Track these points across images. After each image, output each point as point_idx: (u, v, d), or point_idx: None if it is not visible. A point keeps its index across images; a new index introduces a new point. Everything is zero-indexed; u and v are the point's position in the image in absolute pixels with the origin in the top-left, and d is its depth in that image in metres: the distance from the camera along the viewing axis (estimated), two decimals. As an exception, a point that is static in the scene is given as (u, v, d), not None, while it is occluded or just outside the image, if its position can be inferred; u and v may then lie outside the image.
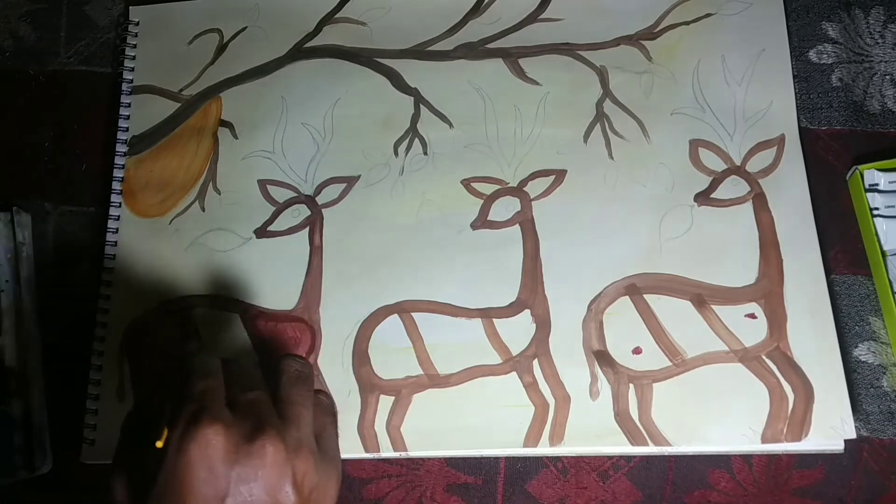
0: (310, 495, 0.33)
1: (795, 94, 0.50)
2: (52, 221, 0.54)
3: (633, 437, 0.45)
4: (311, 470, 0.34)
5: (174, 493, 0.31)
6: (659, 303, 0.47)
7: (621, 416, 0.45)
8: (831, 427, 0.43)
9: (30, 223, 0.53)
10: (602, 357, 0.46)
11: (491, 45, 0.53)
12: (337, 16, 0.55)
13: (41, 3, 0.58)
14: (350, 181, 0.51)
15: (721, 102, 0.50)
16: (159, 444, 0.32)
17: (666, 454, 0.45)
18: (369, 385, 0.47)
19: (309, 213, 0.51)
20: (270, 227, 0.51)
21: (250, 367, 0.39)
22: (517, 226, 0.49)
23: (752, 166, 0.48)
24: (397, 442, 0.46)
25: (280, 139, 0.53)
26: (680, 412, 0.45)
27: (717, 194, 0.48)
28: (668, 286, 0.47)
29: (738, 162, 0.49)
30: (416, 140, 0.52)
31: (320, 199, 0.51)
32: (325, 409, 0.39)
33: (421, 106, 0.52)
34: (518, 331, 0.47)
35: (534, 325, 0.47)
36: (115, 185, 0.53)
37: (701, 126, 0.49)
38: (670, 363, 0.46)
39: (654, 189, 0.49)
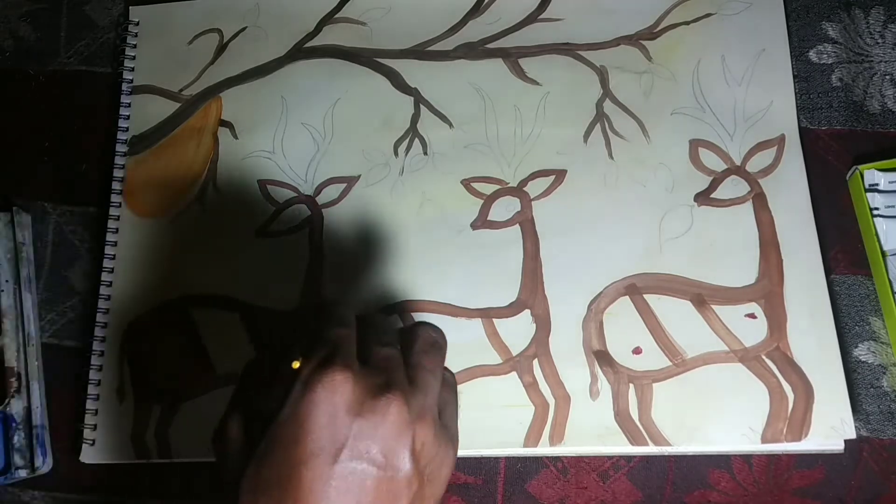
0: (425, 468, 0.32)
1: (795, 94, 0.50)
2: (52, 221, 0.54)
3: (633, 437, 0.45)
4: (430, 440, 0.32)
5: (292, 433, 0.30)
6: (659, 303, 0.47)
7: (621, 416, 0.45)
8: (831, 427, 0.43)
9: (30, 223, 0.53)
10: (602, 357, 0.46)
11: (491, 45, 0.53)
12: (337, 16, 0.55)
13: (41, 3, 0.58)
14: (350, 181, 0.51)
15: (721, 102, 0.50)
16: (295, 364, 0.32)
17: (666, 454, 0.45)
18: (369, 385, 0.47)
19: (309, 213, 0.51)
20: (270, 227, 0.51)
21: (388, 324, 0.38)
22: (517, 226, 0.49)
23: (752, 166, 0.48)
24: (397, 442, 0.46)
25: (280, 139, 0.53)
26: (680, 412, 0.45)
27: (717, 194, 0.48)
28: (668, 286, 0.47)
29: (738, 162, 0.49)
30: (416, 140, 0.52)
31: (320, 199, 0.51)
32: (450, 385, 0.37)
33: (421, 106, 0.52)
34: (518, 331, 0.47)
35: (534, 325, 0.47)
36: (115, 185, 0.53)
37: (701, 126, 0.49)
38: (670, 363, 0.46)
39: (654, 189, 0.49)
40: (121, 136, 0.54)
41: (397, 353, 0.35)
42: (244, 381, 0.36)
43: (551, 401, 0.46)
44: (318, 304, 0.37)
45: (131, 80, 0.55)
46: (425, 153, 0.51)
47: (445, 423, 0.35)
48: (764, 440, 0.44)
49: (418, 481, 0.32)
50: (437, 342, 0.37)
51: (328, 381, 0.31)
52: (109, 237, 0.52)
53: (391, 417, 0.31)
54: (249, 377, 0.36)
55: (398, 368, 0.34)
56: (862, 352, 0.46)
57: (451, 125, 0.52)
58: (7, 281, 0.50)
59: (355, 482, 0.30)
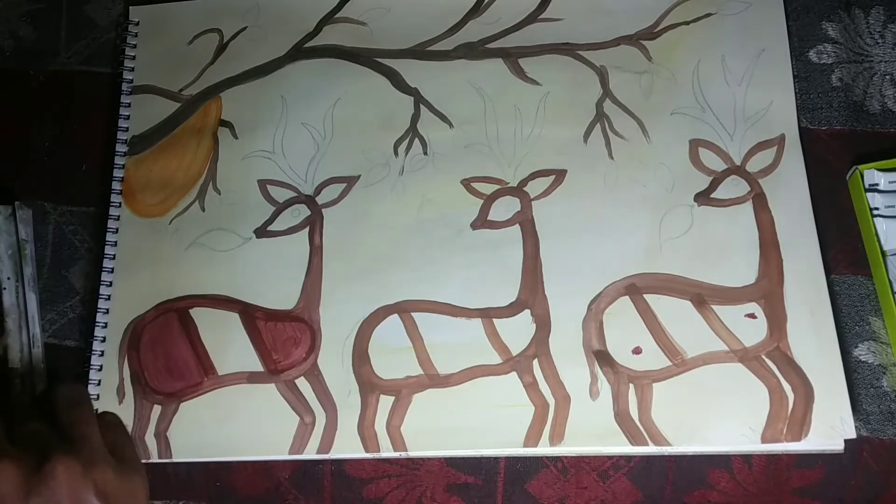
0: (118, 502, 0.34)
1: (795, 94, 0.50)
2: (52, 221, 0.54)
3: (633, 437, 0.45)
4: (111, 478, 0.34)
5: None
6: (659, 303, 0.47)
7: (621, 416, 0.45)
8: (831, 427, 0.43)
9: (31, 219, 0.53)
10: (602, 357, 0.46)
11: (491, 45, 0.53)
12: (337, 16, 0.55)
13: (41, 3, 0.58)
14: (350, 181, 0.51)
15: (721, 102, 0.50)
16: None
17: (666, 454, 0.45)
18: (369, 385, 0.47)
19: (309, 213, 0.51)
20: (270, 227, 0.51)
21: (22, 401, 0.39)
22: (517, 226, 0.49)
23: (752, 166, 0.48)
24: (397, 442, 0.46)
25: (280, 139, 0.53)
26: (680, 412, 0.45)
27: (717, 194, 0.48)
28: (668, 286, 0.47)
29: (738, 162, 0.49)
30: (416, 140, 0.52)
31: (320, 199, 0.51)
32: (113, 426, 0.39)
33: (421, 106, 0.52)
34: (518, 331, 0.47)
35: (534, 325, 0.47)
36: (115, 185, 0.53)
37: (701, 126, 0.49)
38: (670, 363, 0.46)
39: (654, 189, 0.49)
40: (121, 136, 0.54)
41: (41, 423, 0.35)
42: None
43: (551, 401, 0.46)
44: None
45: (131, 80, 0.55)
46: (425, 153, 0.51)
47: (122, 456, 0.36)
48: (764, 440, 0.44)
49: None
50: (76, 397, 0.38)
51: None
52: (109, 237, 0.52)
53: (62, 478, 0.32)
54: None
55: (49, 435, 0.34)
56: (862, 352, 0.46)
57: (451, 125, 0.52)
58: (9, 278, 0.50)
59: None
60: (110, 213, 0.53)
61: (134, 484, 0.35)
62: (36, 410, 0.37)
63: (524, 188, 0.50)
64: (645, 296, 0.47)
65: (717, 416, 0.44)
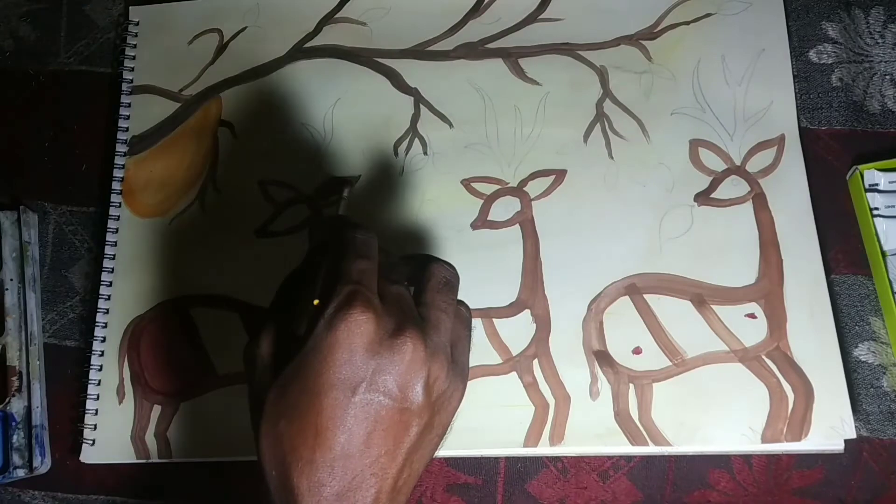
0: (436, 401, 0.34)
1: (795, 94, 0.50)
2: (52, 221, 0.54)
3: (633, 437, 0.45)
4: (442, 376, 0.34)
5: (315, 366, 0.32)
6: (659, 303, 0.47)
7: (621, 416, 0.45)
8: (831, 427, 0.43)
9: (36, 223, 0.53)
10: (602, 357, 0.46)
11: (491, 45, 0.53)
12: (337, 16, 0.55)
13: (41, 3, 0.58)
14: (350, 181, 0.51)
15: (721, 102, 0.50)
16: (316, 302, 0.33)
17: (666, 454, 0.45)
18: (369, 385, 0.47)
19: (309, 213, 0.51)
20: (270, 227, 0.51)
21: (399, 260, 0.39)
22: (517, 226, 0.49)
23: (752, 166, 0.48)
24: (397, 442, 0.46)
25: (280, 139, 0.53)
26: (680, 412, 0.45)
27: (717, 194, 0.48)
28: (668, 286, 0.47)
29: (738, 162, 0.49)
30: (416, 140, 0.52)
31: (320, 200, 0.51)
32: (464, 320, 0.39)
33: (421, 106, 0.52)
34: (518, 331, 0.47)
35: (534, 325, 0.47)
36: (115, 185, 0.53)
37: (701, 126, 0.49)
38: (670, 363, 0.46)
39: (654, 189, 0.49)
40: (121, 136, 0.54)
41: (408, 292, 0.36)
42: (281, 294, 0.38)
43: (551, 401, 0.46)
44: (340, 221, 0.38)
45: (131, 80, 0.55)
46: (425, 153, 0.51)
47: (457, 358, 0.36)
48: (764, 440, 0.44)
49: (429, 412, 0.33)
50: (450, 281, 0.38)
51: (351, 321, 0.32)
52: (109, 237, 0.52)
53: (408, 356, 0.33)
54: (288, 289, 0.38)
55: (411, 306, 0.35)
56: (862, 352, 0.46)
57: (451, 125, 0.52)
58: (12, 280, 0.50)
59: (371, 412, 0.32)
60: (110, 213, 0.53)
61: (455, 388, 0.36)
62: (407, 274, 0.38)
63: (524, 188, 0.50)
64: (645, 296, 0.47)
65: (717, 416, 0.44)
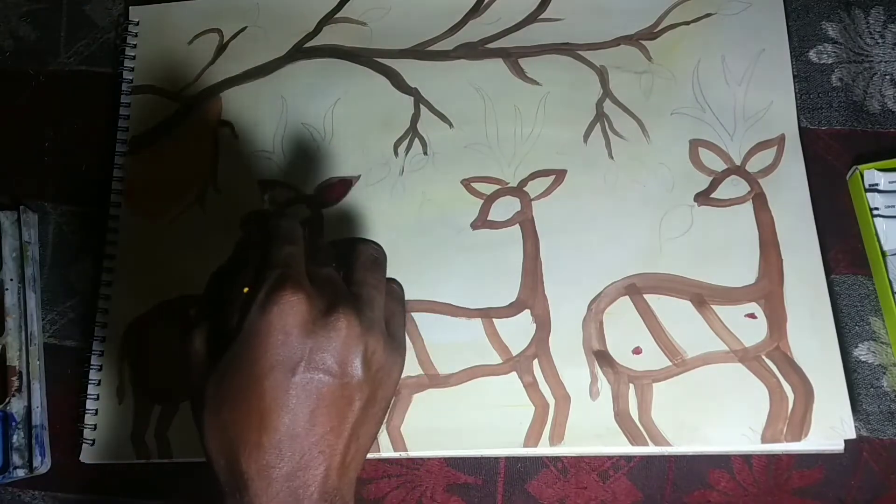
0: (376, 374, 0.35)
1: (795, 94, 0.50)
2: (52, 221, 0.54)
3: (633, 437, 0.45)
4: (379, 349, 0.35)
5: (251, 352, 0.32)
6: (659, 303, 0.47)
7: (621, 416, 0.45)
8: (831, 427, 0.43)
9: (36, 222, 0.53)
10: (602, 357, 0.46)
11: (491, 45, 0.53)
12: (337, 16, 0.55)
13: (41, 3, 0.58)
14: (350, 181, 0.51)
15: (721, 102, 0.50)
16: (246, 290, 0.34)
17: (666, 454, 0.45)
18: (369, 385, 0.47)
19: (309, 213, 0.51)
20: (270, 227, 0.51)
21: (325, 243, 0.40)
22: (517, 226, 0.49)
23: (752, 166, 0.48)
24: (397, 442, 0.46)
25: (280, 139, 0.53)
26: (680, 412, 0.45)
27: (717, 194, 0.48)
28: (668, 286, 0.47)
29: (738, 162, 0.49)
30: (416, 140, 0.52)
31: (320, 200, 0.51)
32: (396, 296, 0.40)
33: (421, 106, 0.52)
34: (518, 331, 0.47)
35: (534, 325, 0.47)
36: (115, 185, 0.53)
37: (701, 126, 0.49)
38: (670, 363, 0.46)
39: (654, 189, 0.49)
40: (121, 136, 0.54)
41: (337, 274, 0.37)
42: (209, 292, 0.38)
43: (551, 401, 0.46)
44: (262, 216, 0.39)
45: (131, 80, 0.55)
46: (425, 153, 0.51)
47: (393, 332, 0.37)
48: (764, 440, 0.44)
49: (370, 386, 0.34)
50: (378, 259, 0.39)
51: (283, 303, 0.33)
52: (109, 237, 0.52)
53: (343, 332, 0.33)
54: (215, 286, 0.38)
55: (342, 285, 0.36)
56: (862, 352, 0.46)
57: (451, 125, 0.52)
58: (12, 280, 0.50)
59: (313, 390, 0.33)
60: (110, 213, 0.53)
61: (394, 361, 0.36)
62: (336, 256, 0.38)
63: (524, 188, 0.50)
64: (645, 296, 0.47)
65: (717, 416, 0.44)
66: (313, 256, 0.37)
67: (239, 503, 0.32)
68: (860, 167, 0.46)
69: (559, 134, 0.50)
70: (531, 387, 0.46)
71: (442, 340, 0.47)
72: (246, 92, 0.54)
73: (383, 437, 0.46)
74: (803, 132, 0.49)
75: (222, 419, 0.33)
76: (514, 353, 0.47)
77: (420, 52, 0.53)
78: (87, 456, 0.49)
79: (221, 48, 0.55)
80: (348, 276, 0.37)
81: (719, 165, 0.49)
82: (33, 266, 0.52)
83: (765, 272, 0.46)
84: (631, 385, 0.46)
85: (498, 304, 0.48)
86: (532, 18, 0.53)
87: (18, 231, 0.51)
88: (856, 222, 0.48)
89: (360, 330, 0.34)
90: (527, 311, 0.48)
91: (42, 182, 0.54)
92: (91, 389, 0.50)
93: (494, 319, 0.48)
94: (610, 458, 0.46)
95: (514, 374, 0.47)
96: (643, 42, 0.52)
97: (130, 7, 0.57)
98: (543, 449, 0.45)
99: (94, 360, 0.50)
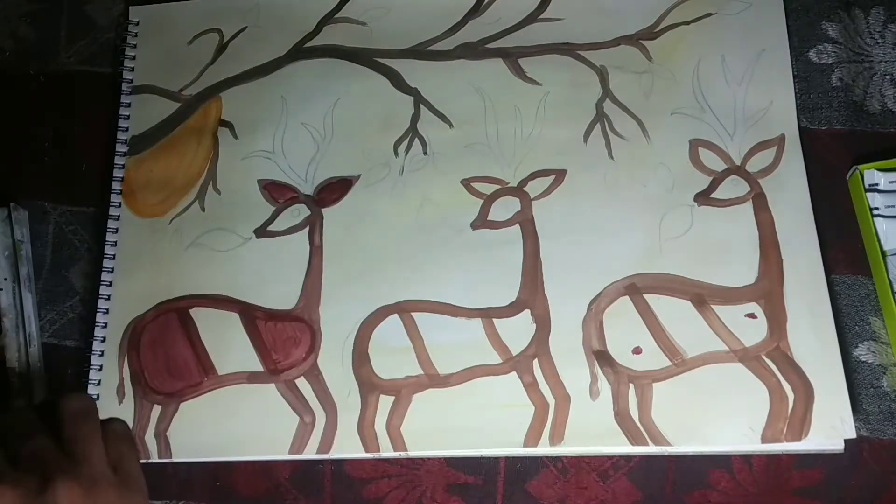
0: None
1: (795, 94, 0.50)
2: (52, 221, 0.54)
3: (633, 437, 0.45)
4: (113, 499, 0.34)
5: None
6: (659, 303, 0.47)
7: (621, 416, 0.45)
8: (831, 427, 0.43)
9: (27, 220, 0.53)
10: (602, 357, 0.46)
11: (491, 45, 0.53)
12: (337, 16, 0.55)
13: (41, 3, 0.58)
14: (350, 181, 0.51)
15: (721, 102, 0.50)
16: None
17: (666, 454, 0.45)
18: (369, 385, 0.47)
19: (309, 213, 0.51)
20: (270, 227, 0.51)
21: (25, 413, 0.38)
22: (517, 226, 0.49)
23: (752, 166, 0.48)
24: (397, 442, 0.46)
25: (280, 139, 0.53)
26: (680, 412, 0.45)
27: (717, 194, 0.48)
28: (668, 286, 0.47)
29: (738, 162, 0.49)
30: (416, 140, 0.52)
31: (320, 199, 0.51)
32: (119, 436, 0.38)
33: (421, 106, 0.52)
34: (518, 331, 0.47)
35: (534, 324, 0.47)
36: (115, 185, 0.53)
37: (701, 126, 0.49)
38: (670, 363, 0.46)
39: (654, 189, 0.49)
40: (121, 136, 0.54)
41: (44, 439, 0.35)
42: None
43: (551, 401, 0.46)
44: None
45: (131, 80, 0.55)
46: (425, 153, 0.51)
47: (127, 471, 0.36)
48: (764, 440, 0.44)
49: None
50: (85, 408, 0.37)
51: None
52: (109, 237, 0.52)
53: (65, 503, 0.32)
54: None
55: (52, 453, 0.34)
56: (862, 352, 0.46)
57: (451, 125, 0.52)
58: (6, 279, 0.50)
59: None
60: (110, 213, 0.53)
61: (135, 501, 0.35)
62: (38, 422, 0.36)
63: (524, 188, 0.50)
64: (645, 296, 0.47)
65: (717, 416, 0.44)
66: (13, 432, 0.35)
67: None
68: (860, 167, 0.46)
69: (559, 134, 0.50)
70: (531, 387, 0.46)
71: (442, 340, 0.47)
72: (246, 92, 0.54)
73: (383, 437, 0.46)
74: (803, 132, 0.49)
75: None
76: (514, 353, 0.47)
77: (420, 52, 0.53)
78: (87, 456, 0.49)
79: (221, 48, 0.55)
80: (59, 436, 0.35)
81: (719, 165, 0.49)
82: (28, 265, 0.52)
83: (765, 272, 0.46)
84: (631, 385, 0.46)
85: (498, 304, 0.48)
86: (532, 18, 0.53)
87: (10, 229, 0.51)
88: (856, 222, 0.48)
89: (82, 491, 0.33)
90: (527, 311, 0.48)
91: (42, 182, 0.54)
92: (91, 389, 0.50)
93: (494, 319, 0.48)
94: (610, 457, 0.46)
95: (514, 373, 0.47)
96: (643, 42, 0.52)
97: (130, 7, 0.57)
98: (543, 449, 0.45)
99: (94, 360, 0.50)
